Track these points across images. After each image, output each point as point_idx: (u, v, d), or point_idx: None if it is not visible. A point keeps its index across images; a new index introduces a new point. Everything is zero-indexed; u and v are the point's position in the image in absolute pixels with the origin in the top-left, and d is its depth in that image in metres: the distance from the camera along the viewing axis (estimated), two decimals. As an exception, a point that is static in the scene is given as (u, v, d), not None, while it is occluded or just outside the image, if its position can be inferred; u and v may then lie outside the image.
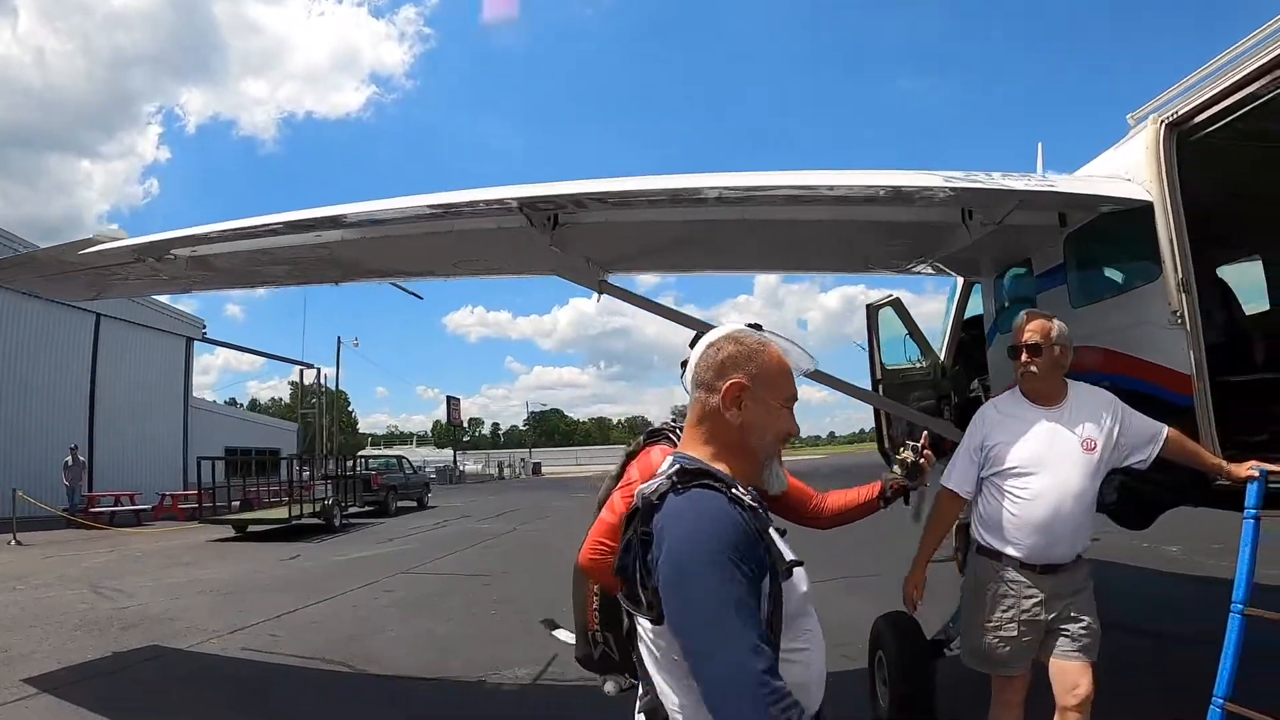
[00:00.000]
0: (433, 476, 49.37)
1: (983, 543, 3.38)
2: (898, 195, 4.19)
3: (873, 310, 7.32)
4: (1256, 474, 3.26)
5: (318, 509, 19.27)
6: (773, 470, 1.82)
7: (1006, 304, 6.19)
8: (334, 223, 4.44)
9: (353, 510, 22.24)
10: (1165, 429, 3.47)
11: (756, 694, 1.33)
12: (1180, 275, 4.09)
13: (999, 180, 4.35)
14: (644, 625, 1.60)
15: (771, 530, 1.63)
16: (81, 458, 22.13)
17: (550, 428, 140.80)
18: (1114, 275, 4.98)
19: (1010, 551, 3.26)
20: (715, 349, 1.79)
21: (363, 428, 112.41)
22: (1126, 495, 4.30)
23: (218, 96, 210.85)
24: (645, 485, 1.63)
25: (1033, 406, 3.40)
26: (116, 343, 25.50)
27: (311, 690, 6.07)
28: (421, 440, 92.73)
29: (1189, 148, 4.33)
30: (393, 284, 6.80)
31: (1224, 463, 3.50)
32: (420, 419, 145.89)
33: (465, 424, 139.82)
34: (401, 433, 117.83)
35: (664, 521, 1.54)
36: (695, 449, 1.75)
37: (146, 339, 27.27)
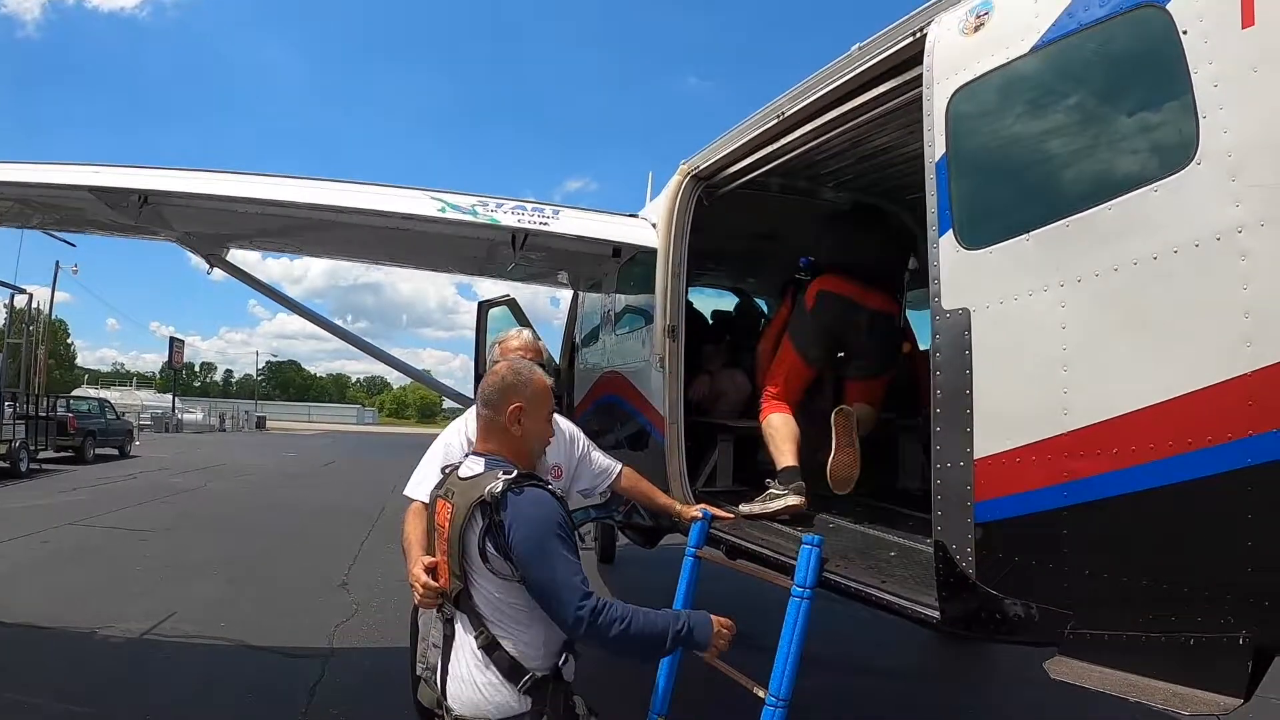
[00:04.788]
0: (147, 424, 44.51)
1: None
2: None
3: (484, 308, 7.41)
4: (700, 515, 3.54)
5: (2, 451, 17.18)
6: (542, 459, 2.62)
7: (581, 317, 6.98)
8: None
9: (46, 456, 19.95)
10: (618, 468, 3.53)
11: (594, 607, 2.14)
12: (669, 320, 4.36)
13: (485, 216, 4.57)
14: (490, 585, 2.24)
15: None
16: None
17: (286, 380, 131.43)
18: (640, 310, 5.20)
19: None
20: (499, 377, 2.46)
21: (89, 364, 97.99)
22: (630, 524, 5.31)
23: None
24: (491, 485, 2.20)
25: None
26: None
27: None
28: (145, 382, 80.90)
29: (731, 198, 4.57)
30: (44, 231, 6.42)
31: (674, 503, 3.69)
32: (152, 358, 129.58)
33: (197, 369, 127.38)
34: (128, 372, 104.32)
35: (512, 514, 2.17)
36: (496, 450, 2.41)
37: None
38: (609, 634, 2.17)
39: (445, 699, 2.38)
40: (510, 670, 2.25)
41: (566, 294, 7.78)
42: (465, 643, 2.32)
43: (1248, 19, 1.77)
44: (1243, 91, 1.79)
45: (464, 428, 3.27)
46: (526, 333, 3.54)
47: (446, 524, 2.34)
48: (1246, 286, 1.78)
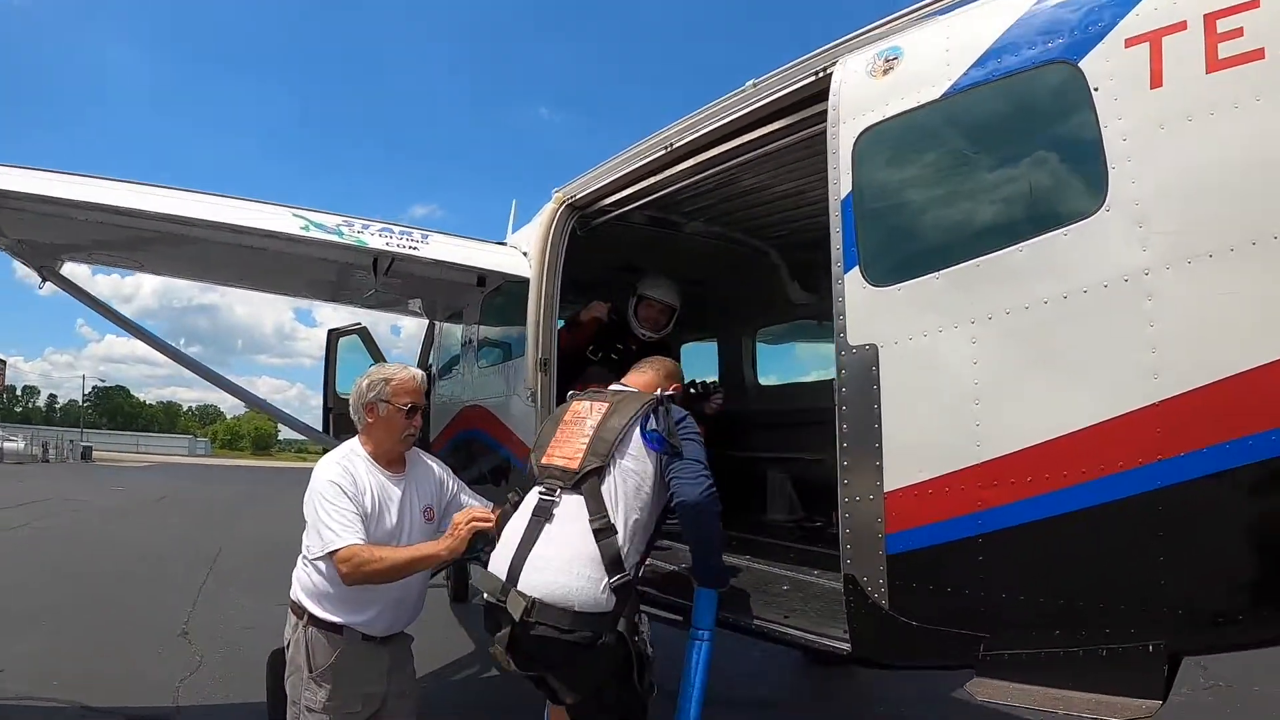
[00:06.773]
0: (-38, 453, 38.12)
1: (321, 616, 2.94)
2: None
3: (334, 336, 7.19)
4: None
5: None
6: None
7: (438, 347, 6.63)
8: None
9: None
10: (489, 506, 3.30)
11: (713, 484, 2.70)
12: (541, 353, 4.11)
13: (354, 238, 4.22)
14: (633, 464, 2.75)
15: None
16: None
17: (114, 407, 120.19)
18: (507, 342, 4.95)
19: (356, 623, 2.95)
20: (676, 367, 3.42)
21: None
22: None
23: None
24: (658, 396, 2.89)
25: (381, 470, 3.10)
26: None
27: None
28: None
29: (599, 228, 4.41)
30: None
31: None
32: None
33: (19, 393, 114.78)
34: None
35: (677, 413, 2.82)
36: (652, 389, 3.04)
37: None
38: (714, 510, 2.71)
39: (516, 586, 2.56)
40: (613, 561, 2.56)
41: (408, 321, 7.33)
42: (569, 529, 2.64)
43: (1156, 80, 1.89)
44: (1151, 145, 1.90)
45: (346, 462, 3.01)
46: (418, 373, 3.28)
47: (601, 414, 2.89)
48: (1153, 324, 1.87)
